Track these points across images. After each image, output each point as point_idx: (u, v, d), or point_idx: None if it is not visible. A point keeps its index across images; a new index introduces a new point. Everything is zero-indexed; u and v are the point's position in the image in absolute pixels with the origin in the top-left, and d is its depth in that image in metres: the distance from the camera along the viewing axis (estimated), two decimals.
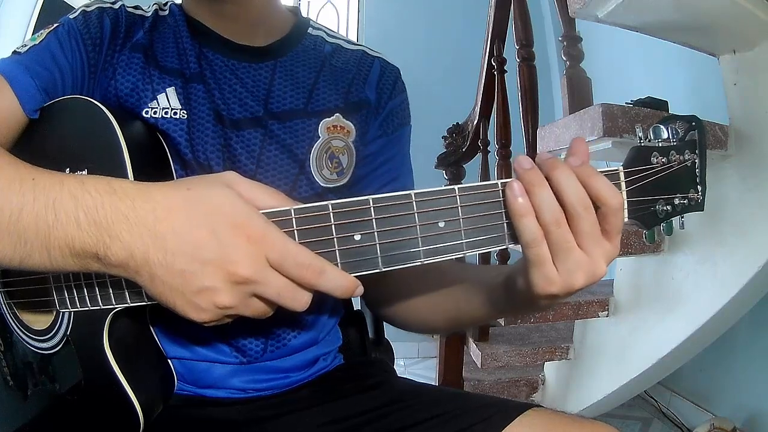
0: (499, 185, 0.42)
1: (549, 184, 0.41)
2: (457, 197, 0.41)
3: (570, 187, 0.40)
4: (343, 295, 0.40)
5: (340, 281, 0.39)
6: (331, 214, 0.40)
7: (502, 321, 1.52)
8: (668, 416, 2.00)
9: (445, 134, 2.09)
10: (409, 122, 0.72)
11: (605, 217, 0.41)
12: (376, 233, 0.40)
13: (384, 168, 0.68)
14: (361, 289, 0.41)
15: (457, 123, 2.08)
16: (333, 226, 0.40)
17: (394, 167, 0.69)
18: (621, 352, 1.42)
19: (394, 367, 0.81)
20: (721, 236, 1.16)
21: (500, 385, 1.71)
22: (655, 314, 1.33)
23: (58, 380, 0.56)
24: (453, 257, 0.42)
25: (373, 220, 0.40)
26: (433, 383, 0.94)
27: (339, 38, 0.70)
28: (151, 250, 0.37)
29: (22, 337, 0.58)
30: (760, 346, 1.65)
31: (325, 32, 0.70)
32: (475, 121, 1.95)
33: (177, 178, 0.56)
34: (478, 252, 0.42)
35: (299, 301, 0.39)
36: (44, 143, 0.55)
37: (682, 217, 0.46)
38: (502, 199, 0.42)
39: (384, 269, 0.41)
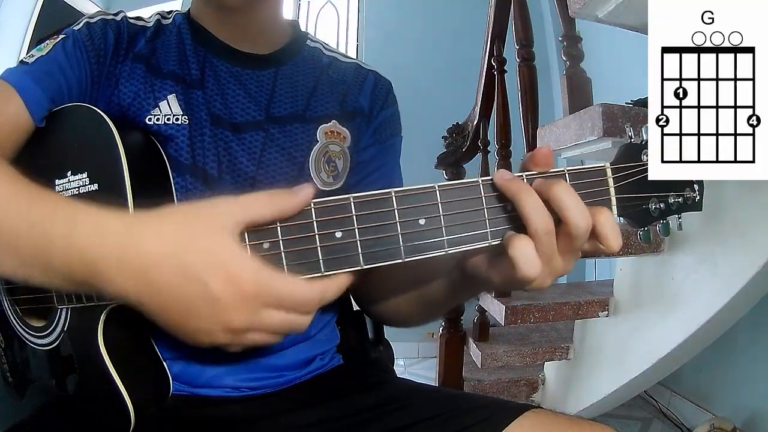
0: (480, 182, 0.42)
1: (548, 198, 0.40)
2: (437, 193, 0.41)
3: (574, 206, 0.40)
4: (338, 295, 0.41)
5: (337, 291, 0.41)
6: (313, 210, 0.40)
7: (502, 321, 1.51)
8: (668, 416, 2.00)
9: (445, 134, 2.09)
10: (400, 133, 0.75)
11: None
12: (356, 230, 0.40)
13: (376, 174, 0.70)
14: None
15: (457, 123, 2.08)
16: (315, 223, 0.40)
17: (386, 174, 0.71)
18: (621, 352, 1.42)
19: (394, 367, 0.81)
20: (721, 236, 1.16)
21: (500, 385, 1.72)
22: (655, 314, 1.33)
23: (54, 376, 0.56)
24: (435, 255, 0.41)
25: (354, 217, 0.40)
26: (433, 383, 0.94)
27: (335, 52, 0.74)
28: (144, 296, 0.38)
29: (21, 334, 0.58)
30: (760, 346, 1.65)
31: (322, 46, 0.73)
32: (475, 121, 1.95)
33: (174, 185, 0.58)
34: (460, 249, 0.42)
35: (301, 326, 0.41)
36: (47, 146, 0.57)
37: (680, 218, 0.45)
38: (482, 195, 0.42)
39: (366, 267, 0.41)
